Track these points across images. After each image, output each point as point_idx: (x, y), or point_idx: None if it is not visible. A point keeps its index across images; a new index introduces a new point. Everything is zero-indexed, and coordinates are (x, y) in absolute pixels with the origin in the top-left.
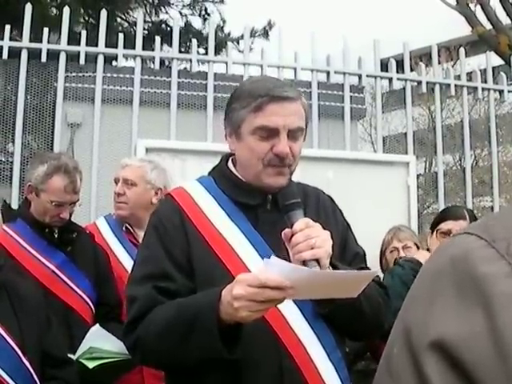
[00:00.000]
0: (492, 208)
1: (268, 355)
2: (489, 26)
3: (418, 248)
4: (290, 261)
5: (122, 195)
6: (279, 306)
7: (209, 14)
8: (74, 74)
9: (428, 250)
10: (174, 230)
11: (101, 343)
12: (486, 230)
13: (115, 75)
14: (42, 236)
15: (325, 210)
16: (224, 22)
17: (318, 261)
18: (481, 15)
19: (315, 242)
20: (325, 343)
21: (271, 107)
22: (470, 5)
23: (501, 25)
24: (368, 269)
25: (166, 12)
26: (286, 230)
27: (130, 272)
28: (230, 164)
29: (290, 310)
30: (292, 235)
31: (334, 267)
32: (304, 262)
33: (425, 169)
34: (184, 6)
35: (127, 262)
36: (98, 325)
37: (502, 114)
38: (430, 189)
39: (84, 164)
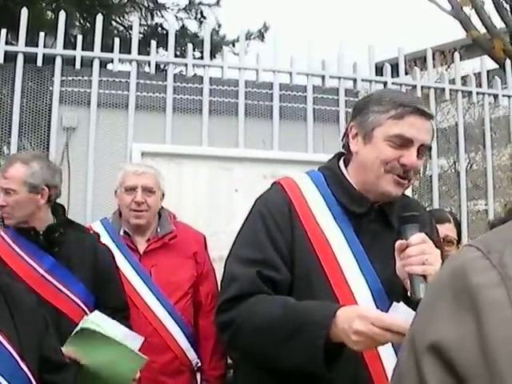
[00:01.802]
0: (486, 212)
1: (345, 362)
2: (483, 30)
3: None
4: (388, 278)
5: (142, 203)
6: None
7: (204, 18)
8: (69, 78)
9: None
10: (282, 221)
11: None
12: (484, 243)
13: (111, 79)
14: (29, 239)
15: (423, 224)
16: (219, 25)
17: (425, 277)
18: (475, 19)
19: (427, 259)
20: None
21: (412, 119)
22: (465, 9)
23: (495, 29)
24: None
25: (162, 16)
26: (400, 240)
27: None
28: (341, 164)
29: None
30: (406, 247)
31: None
32: (411, 276)
33: (419, 172)
34: (180, 9)
35: (124, 267)
36: (96, 311)
37: (496, 118)
38: (424, 192)
39: (79, 168)
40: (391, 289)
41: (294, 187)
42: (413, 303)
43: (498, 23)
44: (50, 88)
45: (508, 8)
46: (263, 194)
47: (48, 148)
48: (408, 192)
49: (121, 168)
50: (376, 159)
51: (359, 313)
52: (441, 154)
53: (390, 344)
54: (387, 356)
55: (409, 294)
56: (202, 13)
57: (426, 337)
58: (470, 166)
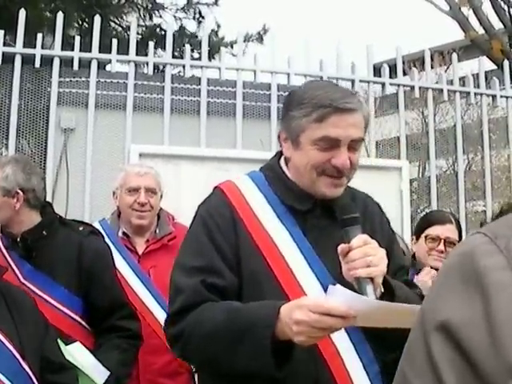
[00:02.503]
0: (485, 212)
1: (304, 362)
2: (481, 31)
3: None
4: (338, 273)
5: (146, 204)
6: None
7: (203, 17)
8: (67, 79)
9: (414, 255)
10: (223, 225)
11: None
12: (493, 229)
13: (109, 80)
14: (13, 245)
15: (372, 218)
16: (219, 26)
17: (371, 279)
18: (473, 20)
19: (372, 261)
20: (362, 355)
21: (333, 119)
22: (463, 10)
23: (493, 30)
24: (411, 282)
25: (160, 16)
26: (343, 244)
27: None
28: (282, 163)
29: None
30: (348, 251)
31: (385, 281)
32: (357, 279)
33: (418, 173)
34: (178, 9)
35: (124, 269)
36: (77, 343)
37: (495, 119)
38: (423, 193)
39: (77, 169)
40: (344, 283)
41: (235, 190)
42: None
43: (496, 24)
44: (48, 89)
45: (506, 8)
46: (204, 199)
47: (46, 149)
48: (406, 193)
49: (121, 169)
50: (307, 165)
51: (297, 303)
52: (439, 155)
53: (348, 340)
54: (347, 352)
55: None
56: (200, 13)
57: (435, 316)
58: (469, 167)
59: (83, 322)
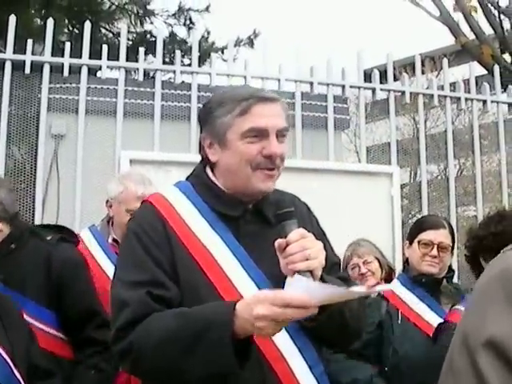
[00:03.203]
0: (476, 217)
1: (250, 367)
2: (472, 37)
3: (379, 262)
4: (274, 276)
5: None
6: None
7: (193, 23)
8: (57, 86)
9: (407, 260)
10: (157, 238)
11: None
12: None
13: (99, 86)
14: None
15: (301, 217)
16: (209, 32)
17: (311, 272)
18: (464, 26)
19: (310, 254)
20: (307, 357)
21: (257, 109)
22: (453, 15)
23: (484, 35)
24: (346, 277)
25: (151, 22)
26: (280, 239)
27: (113, 277)
28: (208, 171)
29: None
30: (286, 245)
31: (321, 278)
32: (298, 273)
33: (410, 178)
34: (169, 15)
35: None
36: None
37: (486, 124)
38: (414, 198)
39: (68, 175)
40: (281, 285)
41: (164, 202)
42: None
43: (487, 29)
44: (38, 95)
45: (496, 14)
46: (134, 214)
47: (36, 155)
48: (397, 199)
49: (117, 180)
50: (240, 161)
51: (257, 297)
52: (431, 161)
53: (290, 342)
54: (291, 356)
55: None
56: (191, 19)
57: (481, 334)
58: (461, 172)
59: (59, 334)
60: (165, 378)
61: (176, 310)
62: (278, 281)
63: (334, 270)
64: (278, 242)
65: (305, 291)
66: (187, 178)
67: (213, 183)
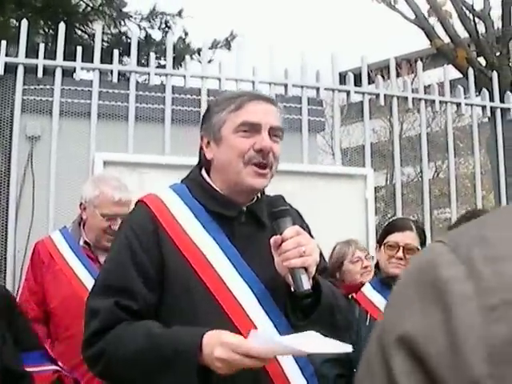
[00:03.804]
0: (451, 220)
1: (243, 370)
2: (447, 40)
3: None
4: (267, 277)
5: None
6: (254, 320)
7: (169, 27)
8: (32, 87)
9: (377, 263)
10: (146, 239)
11: None
12: (453, 238)
13: (73, 88)
14: None
15: (296, 220)
16: (186, 34)
17: (306, 268)
18: (439, 29)
19: (305, 250)
20: (298, 358)
21: (252, 105)
22: (429, 18)
23: (459, 38)
24: (334, 283)
25: (125, 25)
26: (275, 236)
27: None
28: (203, 173)
29: (264, 324)
30: (281, 242)
31: (315, 280)
32: (292, 270)
33: (386, 181)
34: (143, 18)
35: (85, 277)
36: None
37: (462, 127)
38: (390, 201)
39: (43, 176)
40: (274, 287)
41: (158, 202)
42: (299, 297)
43: (462, 33)
44: (13, 97)
45: (471, 17)
46: (128, 214)
47: (10, 157)
48: (371, 201)
49: (92, 182)
50: (232, 155)
51: (221, 340)
52: (408, 163)
53: (274, 330)
54: (283, 357)
55: (292, 288)
56: (166, 22)
57: (394, 330)
58: (437, 175)
59: None
60: None
61: (145, 326)
62: (271, 282)
63: (324, 275)
64: (274, 238)
65: (265, 344)
66: (182, 181)
67: (208, 184)
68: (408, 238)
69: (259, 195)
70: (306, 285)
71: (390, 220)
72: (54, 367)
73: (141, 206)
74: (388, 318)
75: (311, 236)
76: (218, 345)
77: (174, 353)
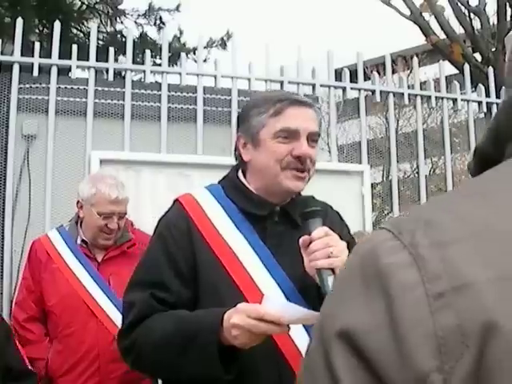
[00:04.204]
0: None
1: (267, 365)
2: (443, 36)
3: None
4: (297, 278)
5: (116, 228)
6: None
7: (164, 24)
8: (27, 86)
9: None
10: (179, 237)
11: None
12: (395, 224)
13: (69, 86)
14: None
15: (332, 225)
16: (181, 32)
17: (333, 270)
18: (435, 25)
19: (333, 251)
20: None
21: (291, 111)
22: (424, 15)
23: (454, 34)
24: None
25: (121, 22)
26: (304, 236)
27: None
28: (239, 174)
29: None
30: (310, 242)
31: None
32: (319, 270)
33: (382, 177)
34: (139, 15)
35: (83, 276)
36: None
37: (458, 123)
38: (387, 197)
39: (39, 175)
40: (304, 287)
41: (193, 202)
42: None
43: (457, 28)
44: (8, 95)
45: (466, 13)
46: (164, 213)
47: (6, 156)
48: (368, 198)
49: (92, 184)
50: (270, 160)
51: (237, 308)
52: (404, 159)
53: (306, 335)
54: (301, 341)
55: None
56: (161, 19)
57: (335, 323)
58: (433, 171)
59: None
60: (163, 375)
61: (175, 313)
62: (301, 282)
63: None
64: (303, 238)
65: (279, 308)
66: (219, 182)
67: (243, 185)
68: None
69: (293, 195)
70: (332, 286)
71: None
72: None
73: (176, 205)
74: (328, 310)
75: (350, 236)
76: (234, 313)
77: (197, 331)
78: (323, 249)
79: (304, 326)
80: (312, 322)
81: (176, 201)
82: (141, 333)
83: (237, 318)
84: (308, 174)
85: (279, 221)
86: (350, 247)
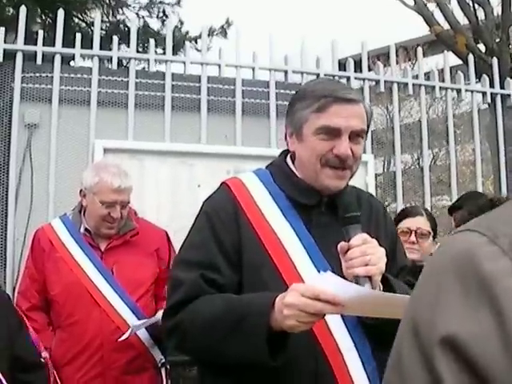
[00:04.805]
0: None
1: (305, 357)
2: (447, 26)
3: None
4: (341, 270)
5: (119, 217)
6: None
7: (167, 16)
8: (30, 75)
9: None
10: (227, 220)
11: None
12: (488, 227)
13: (73, 75)
14: None
15: (377, 218)
16: (182, 23)
17: (369, 278)
18: (439, 15)
19: (370, 259)
20: (361, 353)
21: (334, 108)
22: (428, 5)
23: (458, 25)
24: (413, 283)
25: (123, 13)
26: (342, 242)
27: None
28: (288, 160)
29: (332, 316)
30: (348, 249)
31: (386, 280)
32: (356, 277)
33: (383, 168)
34: (141, 7)
35: (86, 265)
36: None
37: (460, 114)
38: (388, 188)
39: (41, 164)
40: (345, 278)
41: (241, 186)
42: None
43: (461, 19)
44: (11, 84)
45: (471, 4)
46: (211, 194)
47: (9, 145)
48: (371, 187)
49: (95, 172)
50: (311, 156)
51: (290, 288)
52: (405, 150)
53: (348, 336)
54: (348, 350)
55: None
56: (164, 11)
57: (437, 330)
58: (434, 162)
59: None
60: (207, 357)
61: (225, 295)
62: (342, 273)
63: (403, 273)
64: (341, 245)
65: (334, 287)
66: (266, 167)
67: (292, 172)
68: (419, 222)
69: None
70: None
71: (401, 209)
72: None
73: (223, 188)
74: (425, 316)
75: (393, 229)
76: (287, 293)
77: (247, 313)
78: (361, 257)
79: (344, 321)
80: (368, 300)
81: (223, 184)
82: (188, 314)
83: (291, 296)
84: (350, 171)
85: (326, 211)
86: (394, 244)
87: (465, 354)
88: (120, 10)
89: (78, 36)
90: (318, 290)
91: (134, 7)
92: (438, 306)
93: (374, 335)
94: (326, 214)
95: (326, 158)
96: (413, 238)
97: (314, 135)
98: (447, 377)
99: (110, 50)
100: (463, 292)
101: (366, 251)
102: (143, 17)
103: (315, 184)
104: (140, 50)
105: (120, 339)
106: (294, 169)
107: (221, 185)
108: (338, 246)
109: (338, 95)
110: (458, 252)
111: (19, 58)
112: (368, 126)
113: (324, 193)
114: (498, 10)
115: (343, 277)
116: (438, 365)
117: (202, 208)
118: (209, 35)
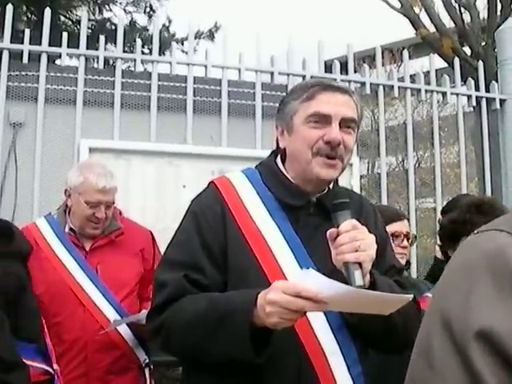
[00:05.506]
0: (435, 209)
1: (288, 359)
2: (433, 29)
3: None
4: (327, 271)
5: (103, 218)
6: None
7: (154, 11)
8: (16, 73)
9: None
10: (214, 221)
11: None
12: None
13: (59, 74)
14: None
15: (366, 218)
16: (170, 21)
17: (360, 264)
18: (425, 18)
19: (360, 245)
20: (346, 355)
21: (323, 96)
22: (415, 8)
23: (444, 28)
24: (402, 283)
25: (110, 10)
26: (332, 229)
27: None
28: (278, 160)
29: (316, 316)
30: (337, 235)
31: (371, 275)
32: (346, 264)
33: (368, 170)
34: (128, 3)
35: (71, 265)
36: None
37: (444, 116)
38: (372, 190)
39: (26, 164)
40: (332, 279)
41: (229, 186)
42: None
43: (447, 22)
44: None
45: (457, 7)
46: (198, 194)
47: None
48: (356, 189)
49: (76, 169)
50: (302, 145)
51: (272, 285)
52: (389, 152)
53: (333, 339)
54: (332, 354)
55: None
56: (151, 6)
57: (472, 325)
58: (419, 164)
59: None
60: (191, 356)
61: (208, 294)
62: (330, 274)
63: (391, 272)
64: (330, 231)
65: (316, 285)
66: (256, 167)
67: (280, 171)
68: (406, 226)
69: (331, 186)
70: (359, 280)
71: (381, 209)
72: (46, 367)
73: (211, 188)
74: (458, 313)
75: (385, 231)
76: (270, 290)
77: (229, 310)
78: (350, 242)
79: (328, 320)
80: (351, 298)
81: (211, 183)
82: (171, 313)
83: (273, 294)
84: (341, 161)
85: (314, 212)
86: (384, 244)
87: (500, 347)
88: (107, 6)
89: (65, 35)
90: (299, 287)
91: (120, 3)
92: (471, 301)
93: (362, 336)
94: (313, 215)
95: (318, 147)
96: (405, 242)
97: (304, 124)
98: (482, 368)
99: (97, 49)
100: (497, 287)
101: (355, 237)
102: (130, 12)
103: (306, 176)
104: (127, 49)
105: (100, 333)
106: (283, 169)
107: (209, 184)
108: (328, 232)
109: (326, 83)
110: (489, 249)
111: (5, 56)
112: (359, 121)
113: (315, 188)
114: (484, 13)
115: (332, 274)
116: (473, 358)
117: (189, 207)
118: (196, 38)
